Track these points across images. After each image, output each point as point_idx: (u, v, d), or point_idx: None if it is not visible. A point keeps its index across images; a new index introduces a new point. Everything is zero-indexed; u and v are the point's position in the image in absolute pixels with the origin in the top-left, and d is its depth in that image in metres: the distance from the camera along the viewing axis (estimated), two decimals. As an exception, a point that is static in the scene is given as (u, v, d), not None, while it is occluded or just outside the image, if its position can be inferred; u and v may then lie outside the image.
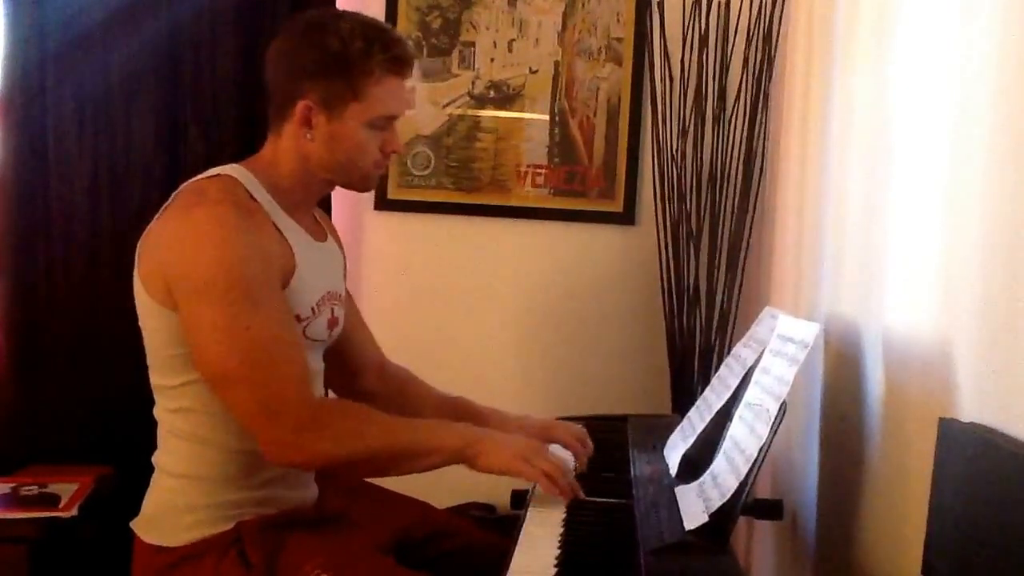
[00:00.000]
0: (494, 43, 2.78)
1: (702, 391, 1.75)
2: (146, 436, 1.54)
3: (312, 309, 1.52)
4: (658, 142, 2.53)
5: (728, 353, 1.87)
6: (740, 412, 1.41)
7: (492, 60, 2.78)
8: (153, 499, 1.53)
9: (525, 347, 2.83)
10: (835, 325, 1.64)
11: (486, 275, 2.83)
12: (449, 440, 1.48)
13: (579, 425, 1.77)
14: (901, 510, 1.28)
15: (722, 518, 1.24)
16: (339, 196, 2.62)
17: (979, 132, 1.08)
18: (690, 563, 1.22)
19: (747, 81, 2.46)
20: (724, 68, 2.48)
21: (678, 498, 1.39)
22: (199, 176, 1.52)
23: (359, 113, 1.49)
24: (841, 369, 1.60)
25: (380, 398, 1.74)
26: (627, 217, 2.80)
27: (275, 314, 1.41)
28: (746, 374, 1.53)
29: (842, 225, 1.65)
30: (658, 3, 2.52)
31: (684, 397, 2.43)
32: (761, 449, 1.27)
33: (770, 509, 1.59)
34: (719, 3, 2.46)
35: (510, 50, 2.78)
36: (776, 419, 1.28)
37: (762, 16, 2.41)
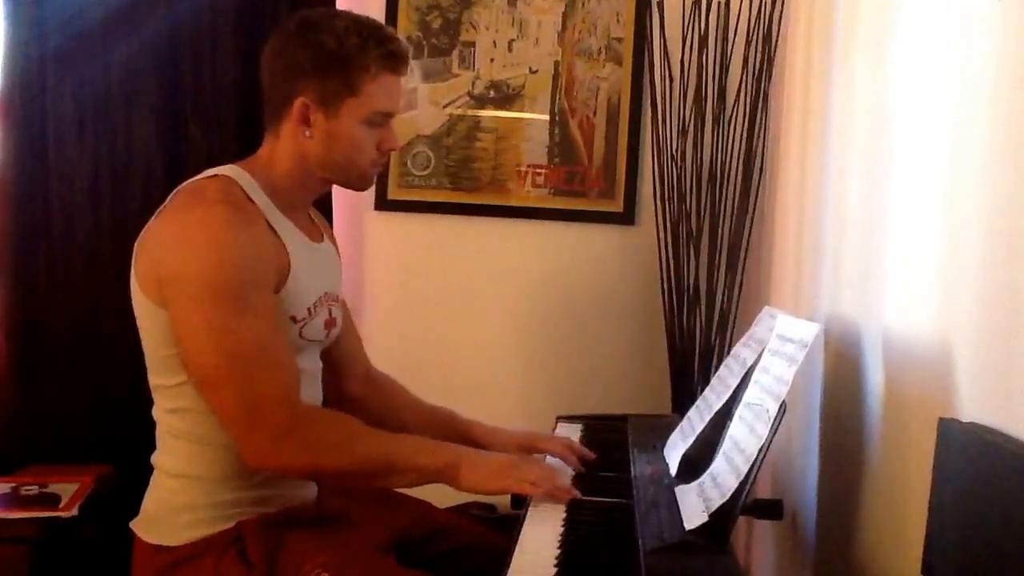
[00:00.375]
0: (494, 43, 2.78)
1: (702, 391, 1.74)
2: (146, 436, 1.54)
3: (308, 310, 1.52)
4: (658, 142, 2.53)
5: (728, 353, 1.87)
6: (740, 412, 1.41)
7: (492, 60, 2.78)
8: (153, 499, 1.53)
9: (525, 347, 2.83)
10: (835, 325, 1.64)
11: (486, 275, 2.83)
12: (429, 460, 1.48)
13: (564, 436, 1.79)
14: (901, 510, 1.28)
15: (722, 518, 1.24)
16: (339, 196, 2.62)
17: (979, 132, 1.08)
18: (690, 563, 1.22)
19: (747, 81, 2.46)
20: (724, 68, 2.48)
21: (678, 498, 1.39)
22: (197, 177, 1.52)
23: (356, 110, 1.50)
24: (841, 369, 1.60)
25: (364, 404, 1.74)
26: (627, 217, 2.81)
27: (263, 318, 1.41)
28: (746, 374, 1.52)
29: (842, 225, 1.65)
30: (658, 3, 2.52)
31: (684, 397, 2.43)
32: (761, 449, 1.27)
33: (770, 509, 1.59)
34: (719, 3, 2.46)
35: (510, 50, 2.78)
36: (776, 419, 1.28)
37: (762, 16, 2.41)
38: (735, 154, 2.49)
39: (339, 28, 1.49)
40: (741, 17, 2.45)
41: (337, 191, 2.27)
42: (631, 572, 1.21)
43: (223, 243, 1.40)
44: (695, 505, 1.30)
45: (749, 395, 1.42)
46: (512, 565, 1.26)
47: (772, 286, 2.26)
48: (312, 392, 1.59)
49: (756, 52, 2.43)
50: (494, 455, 1.58)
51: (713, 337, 2.48)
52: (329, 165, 1.53)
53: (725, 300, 2.48)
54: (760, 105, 2.43)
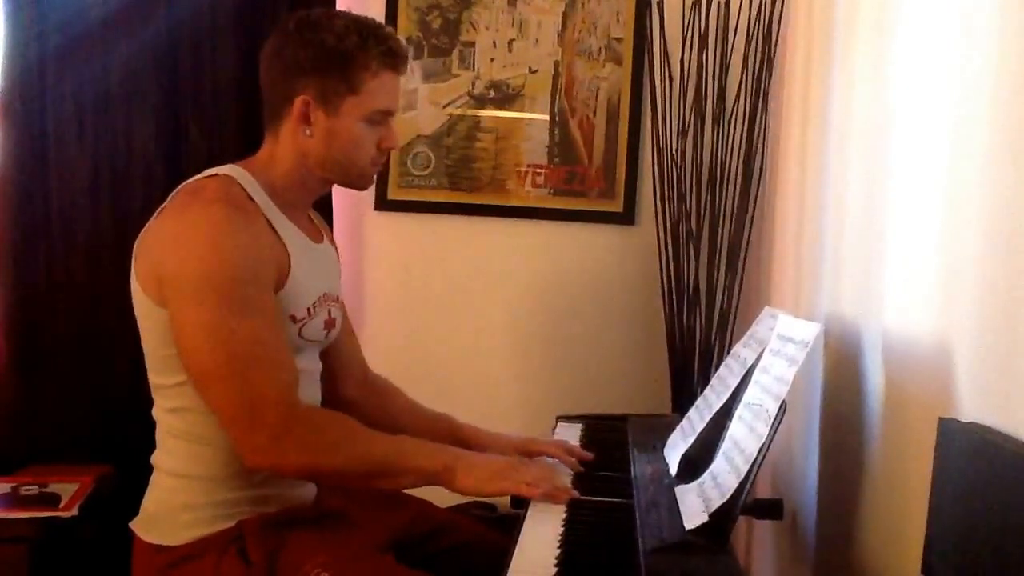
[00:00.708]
0: (494, 43, 2.78)
1: (702, 391, 1.74)
2: (146, 436, 1.54)
3: (308, 310, 1.52)
4: (658, 142, 2.53)
5: (728, 353, 1.87)
6: (740, 412, 1.41)
7: (492, 60, 2.78)
8: (152, 498, 1.53)
9: (525, 347, 2.83)
10: (835, 325, 1.64)
11: (486, 275, 2.83)
12: (425, 462, 1.48)
13: (561, 439, 1.80)
14: (901, 510, 1.28)
15: (722, 518, 1.24)
16: (339, 196, 2.62)
17: (979, 132, 1.08)
18: (690, 563, 1.22)
19: (747, 81, 2.46)
20: (724, 68, 2.48)
21: (678, 498, 1.39)
22: (197, 176, 1.53)
23: (356, 108, 1.50)
24: (841, 369, 1.60)
25: (360, 407, 1.73)
26: (627, 217, 2.81)
27: (262, 318, 1.41)
28: (746, 374, 1.53)
29: (842, 225, 1.65)
30: (658, 3, 2.52)
31: (684, 397, 2.43)
32: (761, 449, 1.27)
33: (770, 509, 1.59)
34: (719, 3, 2.46)
35: (510, 50, 2.78)
36: (776, 419, 1.28)
37: (762, 16, 2.41)
38: (735, 154, 2.49)
39: (338, 27, 1.50)
40: (741, 17, 2.45)
41: (337, 191, 2.27)
42: (631, 572, 1.21)
43: (223, 242, 1.40)
44: (695, 505, 1.30)
45: (749, 395, 1.42)
46: (512, 565, 1.26)
47: (772, 286, 2.26)
48: (311, 392, 1.59)
49: (756, 52, 2.43)
50: (491, 457, 1.59)
51: (713, 337, 2.48)
52: (329, 163, 1.53)
53: (725, 300, 2.48)
54: (760, 105, 2.43)
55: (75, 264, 2.62)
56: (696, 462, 1.48)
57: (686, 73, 2.51)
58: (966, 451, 1.01)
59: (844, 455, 1.53)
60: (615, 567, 1.27)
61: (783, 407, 1.29)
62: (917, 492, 1.17)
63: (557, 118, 2.80)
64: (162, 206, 1.50)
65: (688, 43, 2.49)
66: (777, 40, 2.38)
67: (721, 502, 1.25)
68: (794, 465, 1.86)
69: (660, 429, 1.80)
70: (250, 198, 1.48)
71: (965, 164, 1.12)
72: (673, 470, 1.54)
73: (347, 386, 1.77)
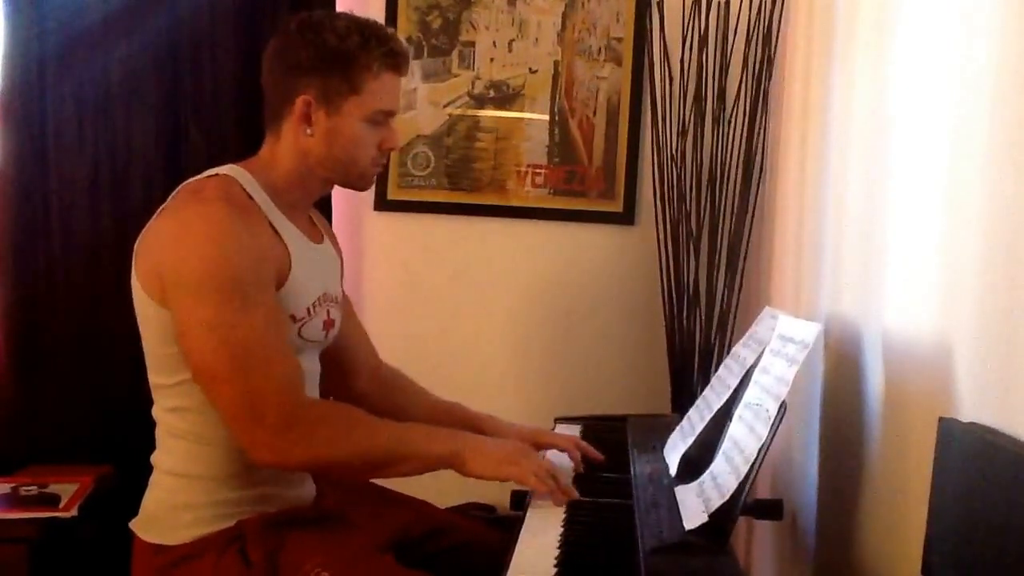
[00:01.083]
0: (494, 43, 2.78)
1: (702, 391, 1.74)
2: (146, 436, 1.54)
3: (307, 310, 1.52)
4: (658, 142, 2.53)
5: (728, 353, 1.87)
6: (740, 412, 1.41)
7: (492, 60, 2.78)
8: (152, 498, 1.53)
9: (525, 347, 2.83)
10: (835, 325, 1.64)
11: (486, 275, 2.83)
12: (434, 446, 1.48)
13: (574, 435, 1.79)
14: (901, 510, 1.28)
15: (722, 518, 1.24)
16: (339, 196, 2.62)
17: (979, 132, 1.08)
18: (690, 563, 1.22)
19: (747, 81, 2.45)
20: (724, 68, 2.48)
21: (678, 498, 1.39)
22: (197, 176, 1.53)
23: (358, 108, 1.51)
24: (841, 369, 1.60)
25: (373, 400, 1.74)
26: (627, 217, 2.80)
27: (264, 314, 1.41)
28: (746, 374, 1.52)
29: (842, 225, 1.65)
30: (658, 3, 2.52)
31: (684, 397, 2.43)
32: (761, 449, 1.27)
33: (770, 509, 1.59)
34: (719, 3, 2.46)
35: (510, 50, 2.78)
36: (776, 419, 1.28)
37: (762, 16, 2.41)
38: (735, 154, 2.49)
39: (340, 27, 1.51)
40: (741, 17, 2.45)
41: (337, 191, 2.27)
42: (631, 572, 1.21)
43: (223, 239, 1.40)
44: (695, 505, 1.30)
45: (749, 395, 1.42)
46: (512, 565, 1.26)
47: (772, 286, 2.26)
48: (310, 394, 1.58)
49: (756, 52, 2.43)
50: (500, 441, 1.58)
51: (713, 337, 2.48)
52: (330, 163, 1.54)
53: (725, 300, 2.48)
54: (760, 105, 2.43)
55: (75, 264, 2.62)
56: (696, 462, 1.48)
57: (686, 73, 2.51)
58: (966, 451, 1.01)
59: (844, 455, 1.53)
60: (615, 567, 1.27)
61: (783, 407, 1.29)
62: (917, 492, 1.17)
63: (557, 118, 2.80)
64: (163, 206, 1.50)
65: (688, 43, 2.49)
66: (777, 40, 2.38)
67: (721, 502, 1.25)
68: (794, 465, 1.86)
69: (660, 429, 1.80)
70: (250, 198, 1.48)
71: (965, 164, 1.12)
72: (673, 470, 1.54)
73: (358, 380, 1.78)
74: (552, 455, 1.70)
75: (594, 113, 2.79)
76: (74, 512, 2.27)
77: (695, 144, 2.51)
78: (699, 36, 2.47)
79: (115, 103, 2.62)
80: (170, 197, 1.51)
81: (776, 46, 2.39)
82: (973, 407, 1.06)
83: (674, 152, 2.52)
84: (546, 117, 2.79)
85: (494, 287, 2.83)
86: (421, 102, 2.78)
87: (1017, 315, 0.97)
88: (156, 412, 1.53)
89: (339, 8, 2.59)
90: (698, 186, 2.50)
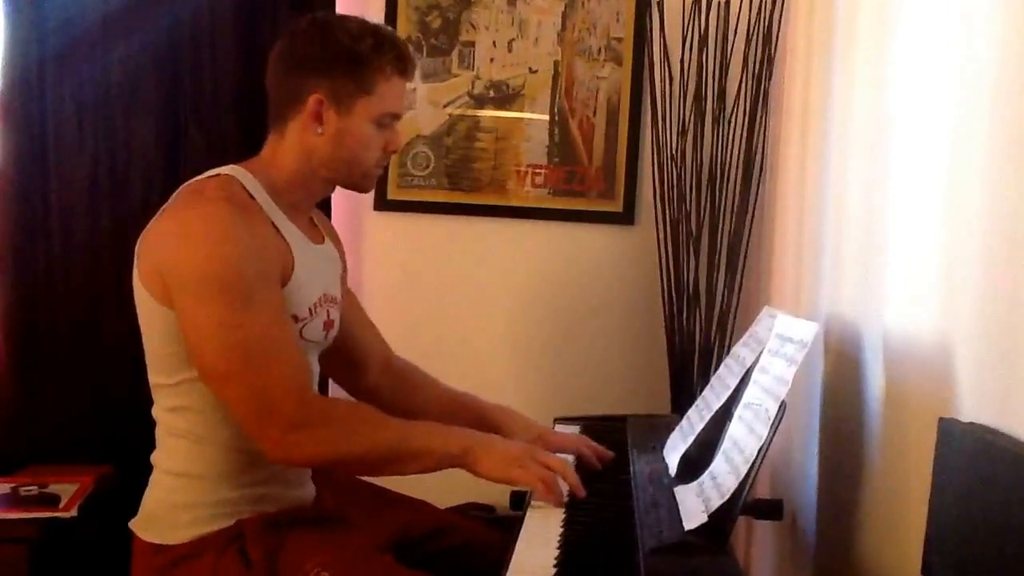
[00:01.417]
0: (494, 43, 2.78)
1: (702, 391, 1.74)
2: (146, 436, 1.54)
3: (309, 310, 1.52)
4: (658, 142, 2.53)
5: (727, 353, 1.87)
6: (739, 412, 1.41)
7: (492, 60, 2.78)
8: (152, 498, 1.53)
9: (524, 347, 2.83)
10: (835, 325, 1.64)
11: (486, 275, 2.83)
12: (443, 445, 1.48)
13: (584, 436, 1.77)
14: (901, 510, 1.28)
15: (722, 518, 1.24)
16: (339, 196, 2.61)
17: (979, 132, 1.08)
18: (690, 563, 1.22)
19: (747, 81, 2.45)
20: (724, 68, 2.48)
21: (678, 498, 1.39)
22: (198, 177, 1.53)
23: (367, 109, 1.52)
24: (841, 369, 1.60)
25: (385, 393, 1.75)
26: (627, 217, 2.80)
27: (270, 312, 1.42)
28: (745, 374, 1.52)
29: (842, 225, 1.65)
30: (658, 3, 2.52)
31: (684, 397, 2.43)
32: (760, 449, 1.26)
33: (770, 509, 1.59)
34: (719, 3, 2.46)
35: (510, 50, 2.78)
36: (775, 419, 1.28)
37: (762, 16, 2.41)
38: (735, 154, 2.49)
39: (353, 29, 1.52)
40: (741, 17, 2.45)
41: (337, 191, 2.27)
42: (631, 572, 1.21)
43: (225, 238, 1.40)
44: (695, 505, 1.30)
45: (749, 395, 1.42)
46: (511, 565, 1.26)
47: (772, 286, 2.26)
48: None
49: (756, 52, 2.43)
50: (512, 442, 1.56)
51: (713, 337, 2.48)
52: (335, 163, 1.54)
53: (725, 300, 2.48)
54: (760, 105, 2.43)
55: (75, 264, 2.61)
56: (696, 462, 1.48)
57: (686, 73, 2.51)
58: (966, 451, 1.01)
59: (844, 455, 1.53)
60: (614, 568, 1.27)
61: (783, 407, 1.29)
62: (917, 492, 1.17)
63: (557, 118, 2.80)
64: (164, 206, 1.50)
65: (688, 43, 2.49)
66: (777, 40, 2.38)
67: (721, 502, 1.25)
68: (794, 465, 1.86)
69: (660, 429, 1.80)
70: (251, 198, 1.49)
71: (965, 164, 1.12)
72: (672, 470, 1.54)
73: (371, 374, 1.79)
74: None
75: (594, 113, 2.79)
76: (74, 512, 2.26)
77: (695, 144, 2.51)
78: (699, 36, 2.47)
79: (115, 103, 2.61)
80: (171, 197, 1.52)
81: (776, 46, 2.39)
82: (973, 407, 1.06)
83: (674, 152, 2.52)
84: (546, 117, 2.79)
85: (494, 287, 2.83)
86: (421, 102, 2.78)
87: (1017, 315, 0.97)
88: (156, 412, 1.53)
89: (339, 9, 2.59)
90: (698, 186, 2.50)
